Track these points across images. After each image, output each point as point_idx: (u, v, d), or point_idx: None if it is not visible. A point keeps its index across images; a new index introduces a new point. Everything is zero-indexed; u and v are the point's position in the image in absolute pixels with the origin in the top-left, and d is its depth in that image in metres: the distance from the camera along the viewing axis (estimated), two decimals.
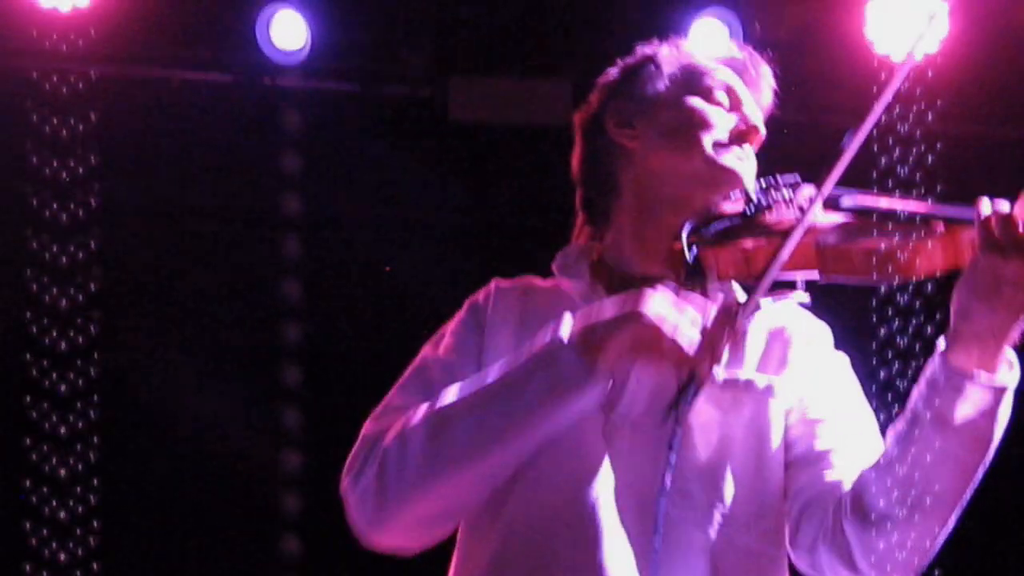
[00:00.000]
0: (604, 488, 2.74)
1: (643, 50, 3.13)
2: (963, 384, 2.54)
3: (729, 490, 2.77)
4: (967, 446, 2.57)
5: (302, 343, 6.91)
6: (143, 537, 7.02)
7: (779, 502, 2.81)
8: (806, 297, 2.72)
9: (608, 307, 2.67)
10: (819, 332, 2.99)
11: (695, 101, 2.99)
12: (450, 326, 3.01)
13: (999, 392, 2.56)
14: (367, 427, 2.86)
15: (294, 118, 6.70)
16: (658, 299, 2.62)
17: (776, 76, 3.09)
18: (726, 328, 2.57)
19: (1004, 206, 2.50)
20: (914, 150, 3.39)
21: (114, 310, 6.81)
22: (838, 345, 3.01)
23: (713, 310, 2.59)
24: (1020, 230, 2.47)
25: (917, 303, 2.90)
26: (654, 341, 2.60)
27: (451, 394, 2.76)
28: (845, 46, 6.17)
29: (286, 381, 6.89)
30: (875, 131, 2.60)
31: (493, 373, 2.74)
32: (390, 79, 6.84)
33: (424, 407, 2.77)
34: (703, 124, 2.95)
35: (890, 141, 2.59)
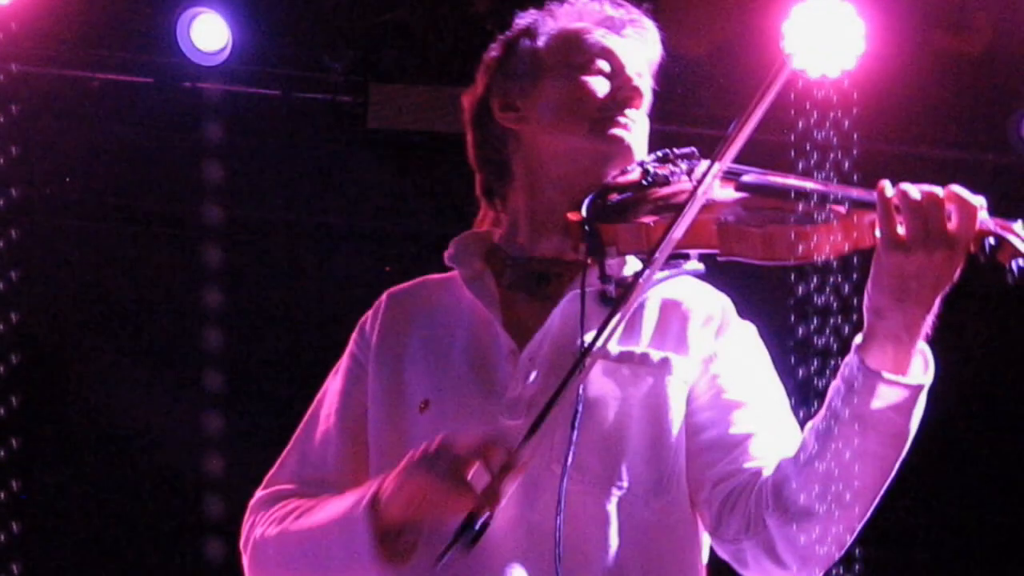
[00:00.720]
0: None
1: (521, 21, 3.08)
2: (879, 384, 2.56)
3: (627, 464, 2.77)
4: (884, 443, 2.59)
5: (221, 343, 6.88)
6: (65, 539, 6.97)
7: (679, 476, 2.81)
8: (700, 267, 2.74)
9: (402, 464, 2.69)
10: (719, 305, 2.97)
11: (574, 74, 2.96)
12: (347, 349, 3.06)
13: (915, 390, 2.58)
14: (257, 495, 2.97)
15: (214, 122, 6.68)
16: (430, 456, 2.63)
17: (661, 39, 3.07)
18: (503, 467, 2.54)
19: (910, 194, 2.50)
20: (828, 162, 3.42)
21: (30, 305, 6.76)
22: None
23: (492, 453, 2.57)
24: (920, 225, 2.48)
25: (833, 300, 2.91)
26: (431, 499, 2.62)
27: (291, 526, 2.85)
28: (761, 62, 6.23)
29: (206, 383, 6.85)
30: (792, 143, 2.62)
31: (312, 525, 2.82)
32: (310, 85, 6.83)
33: (278, 520, 2.88)
34: (585, 98, 2.93)
35: (807, 150, 2.61)
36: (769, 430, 2.80)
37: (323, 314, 6.73)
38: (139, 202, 7.04)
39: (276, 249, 7.18)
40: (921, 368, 2.60)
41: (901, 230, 2.49)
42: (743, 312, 3.01)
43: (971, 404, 7.00)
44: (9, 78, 6.40)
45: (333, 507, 2.78)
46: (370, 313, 3.07)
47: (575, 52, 2.98)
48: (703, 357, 2.88)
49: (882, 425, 2.57)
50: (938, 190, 2.50)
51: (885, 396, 2.56)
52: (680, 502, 2.83)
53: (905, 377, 2.57)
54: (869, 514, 2.67)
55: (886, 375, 2.56)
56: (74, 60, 6.60)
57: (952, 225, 2.48)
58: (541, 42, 3.02)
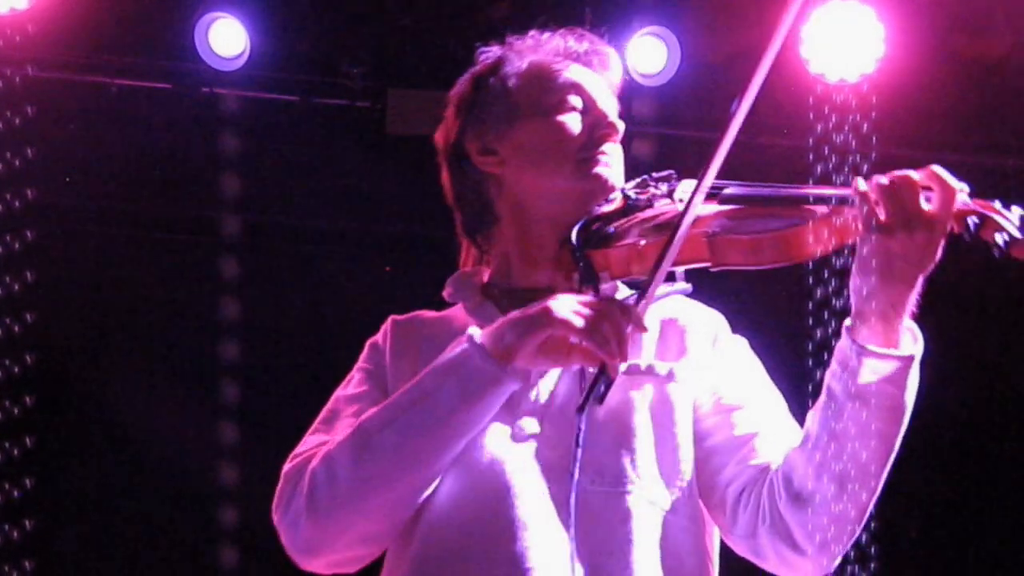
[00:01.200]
0: (519, 481, 2.79)
1: (487, 58, 3.19)
2: (871, 358, 2.64)
3: (641, 467, 2.84)
4: (883, 417, 2.66)
5: (238, 351, 6.87)
6: (77, 545, 6.96)
7: (690, 478, 2.89)
8: (688, 287, 2.86)
9: (515, 316, 2.75)
10: (713, 320, 3.07)
11: (549, 116, 3.04)
12: (356, 366, 3.10)
13: (906, 360, 2.65)
14: (286, 467, 2.91)
15: (232, 127, 6.67)
16: (563, 301, 2.70)
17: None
18: (629, 324, 2.65)
19: (883, 181, 2.58)
20: (846, 166, 3.42)
21: (45, 310, 6.76)
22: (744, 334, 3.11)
23: (615, 307, 2.67)
24: (898, 208, 2.55)
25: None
26: (563, 341, 2.69)
27: (370, 413, 2.82)
28: (780, 66, 6.20)
29: (222, 392, 6.85)
30: (811, 147, 2.67)
31: (409, 386, 2.80)
32: (329, 90, 6.83)
33: (343, 433, 2.83)
34: (563, 140, 3.02)
35: (826, 155, 2.65)
36: (772, 427, 2.89)
37: (342, 320, 6.73)
38: (155, 208, 7.04)
39: (294, 255, 7.18)
40: (911, 341, 2.68)
41: (881, 214, 2.56)
42: (739, 323, 3.12)
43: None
44: (26, 82, 6.40)
45: (418, 377, 2.80)
46: (379, 335, 3.13)
47: (546, 92, 3.07)
48: (703, 367, 2.97)
49: (879, 399, 2.65)
50: (913, 173, 2.57)
51: (878, 370, 2.64)
52: (693, 504, 2.90)
53: (896, 350, 2.65)
54: (879, 490, 2.73)
55: (877, 349, 2.64)
56: (91, 65, 6.59)
57: (931, 206, 2.55)
58: (511, 82, 3.11)
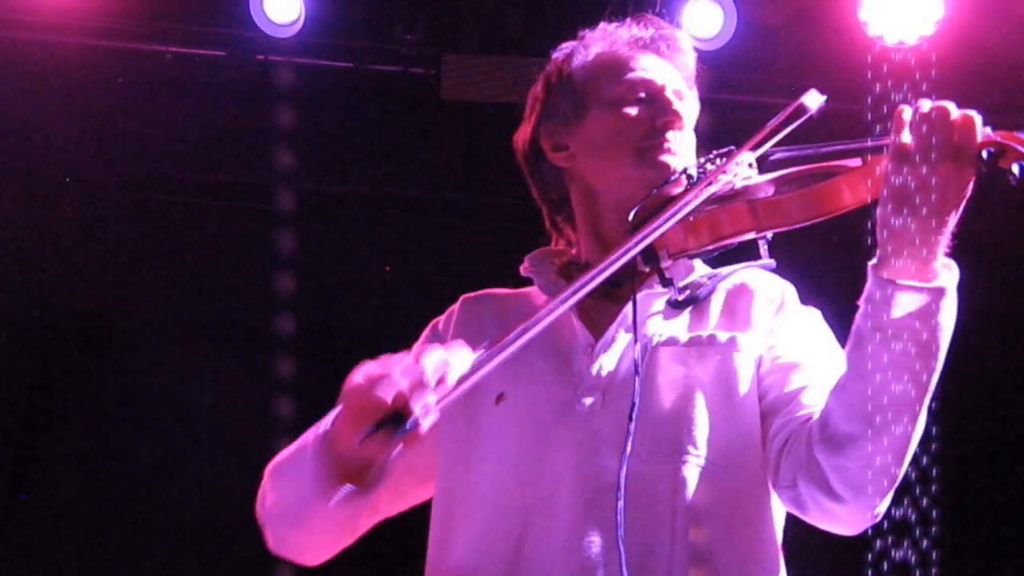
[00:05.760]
0: (573, 455, 2.83)
1: (557, 57, 3.21)
2: (894, 292, 2.57)
3: (700, 436, 2.85)
4: (911, 353, 2.59)
5: (293, 320, 6.89)
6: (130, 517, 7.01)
7: (754, 446, 2.88)
8: (771, 262, 2.86)
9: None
10: (780, 289, 3.06)
11: (615, 107, 3.08)
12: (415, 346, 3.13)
13: (935, 294, 2.58)
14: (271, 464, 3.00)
15: (287, 95, 6.69)
16: (359, 374, 2.63)
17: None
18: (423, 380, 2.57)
19: (921, 105, 2.57)
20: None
21: (101, 280, 6.80)
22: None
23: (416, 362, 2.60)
24: (926, 136, 2.53)
25: None
26: (360, 407, 2.61)
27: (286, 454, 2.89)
28: (838, 29, 6.16)
29: (276, 352, 6.87)
30: (866, 112, 2.64)
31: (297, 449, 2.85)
32: (383, 56, 6.84)
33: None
34: (627, 130, 3.05)
35: (883, 120, 2.63)
36: (823, 382, 2.83)
37: (397, 288, 6.74)
38: (211, 173, 7.07)
39: (347, 219, 7.19)
40: (942, 274, 2.60)
41: (908, 141, 2.54)
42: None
43: None
44: (80, 51, 6.43)
45: (308, 434, 2.84)
46: (443, 317, 3.18)
47: (610, 83, 3.11)
48: (765, 332, 2.97)
49: (906, 334, 2.58)
50: (951, 106, 2.56)
51: (903, 304, 2.58)
52: (756, 471, 2.88)
53: (921, 282, 2.58)
54: (914, 434, 2.66)
55: (900, 281, 2.57)
56: (147, 34, 6.62)
57: (957, 137, 2.53)
58: (578, 76, 3.15)
